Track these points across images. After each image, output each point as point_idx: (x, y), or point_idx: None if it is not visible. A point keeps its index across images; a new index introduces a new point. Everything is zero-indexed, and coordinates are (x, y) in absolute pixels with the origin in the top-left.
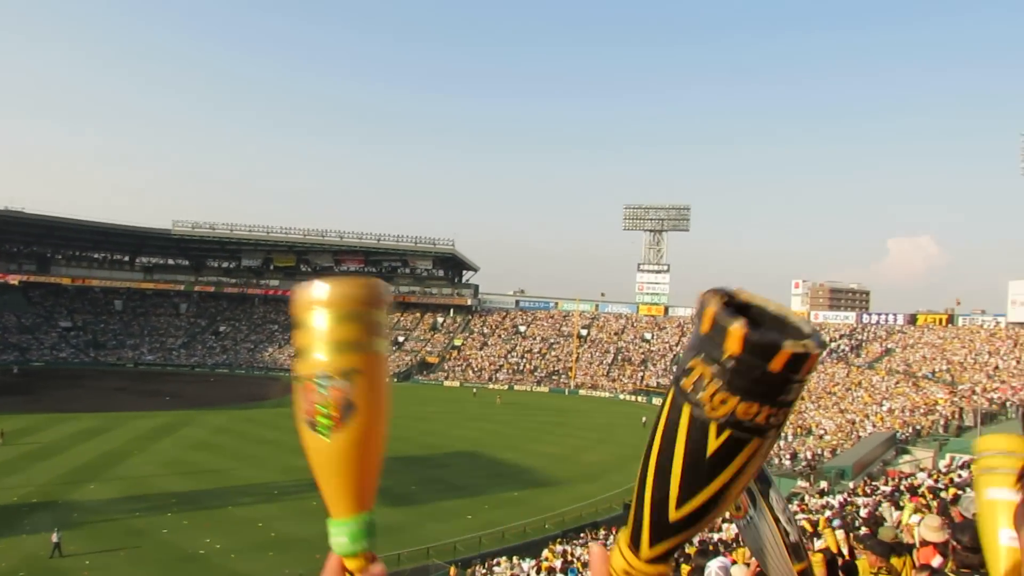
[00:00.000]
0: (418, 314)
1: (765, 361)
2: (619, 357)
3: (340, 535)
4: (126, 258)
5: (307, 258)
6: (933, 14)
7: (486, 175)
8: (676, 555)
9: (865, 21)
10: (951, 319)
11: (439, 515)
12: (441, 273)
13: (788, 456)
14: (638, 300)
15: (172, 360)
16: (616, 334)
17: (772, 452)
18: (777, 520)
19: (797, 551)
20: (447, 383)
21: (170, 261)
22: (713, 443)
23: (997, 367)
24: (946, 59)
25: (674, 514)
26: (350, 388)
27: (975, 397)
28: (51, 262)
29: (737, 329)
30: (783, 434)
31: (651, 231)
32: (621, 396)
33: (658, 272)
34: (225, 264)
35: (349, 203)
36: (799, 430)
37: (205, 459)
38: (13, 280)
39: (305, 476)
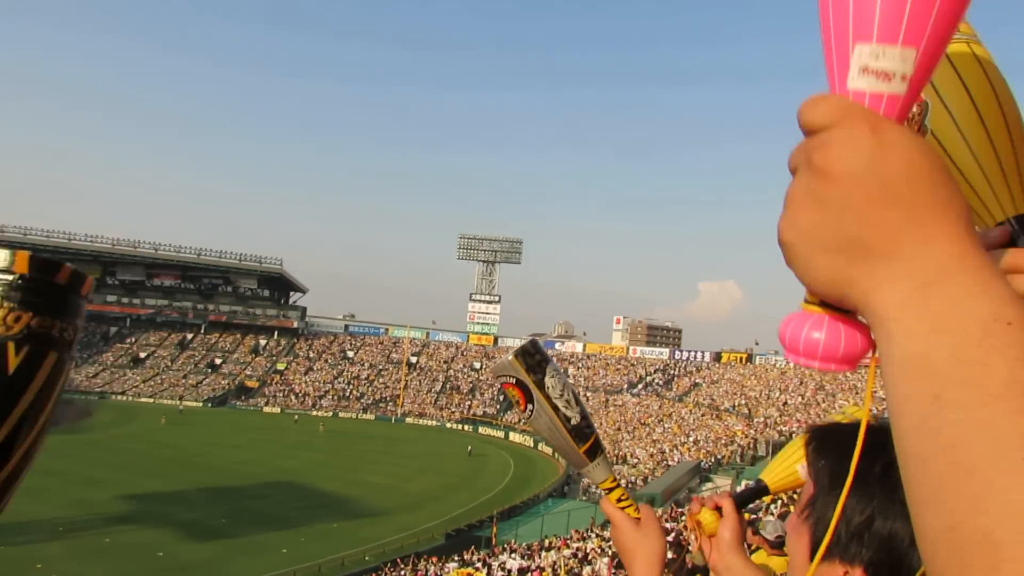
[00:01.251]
0: (239, 335)
1: (51, 276)
2: (448, 386)
3: None
4: None
5: (115, 271)
6: (728, 77)
7: (319, 194)
8: None
9: (675, 82)
10: (750, 358)
11: (250, 550)
12: (267, 293)
13: None
14: (469, 329)
15: None
16: (446, 362)
17: (588, 481)
18: (556, 409)
19: (579, 432)
20: (267, 409)
21: None
22: (14, 360)
23: (786, 403)
24: (745, 122)
25: None
26: None
27: (768, 430)
28: None
29: (24, 254)
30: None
31: (484, 262)
32: (448, 425)
33: (489, 303)
34: None
35: (167, 214)
36: (614, 459)
37: None
38: None
39: (96, 510)
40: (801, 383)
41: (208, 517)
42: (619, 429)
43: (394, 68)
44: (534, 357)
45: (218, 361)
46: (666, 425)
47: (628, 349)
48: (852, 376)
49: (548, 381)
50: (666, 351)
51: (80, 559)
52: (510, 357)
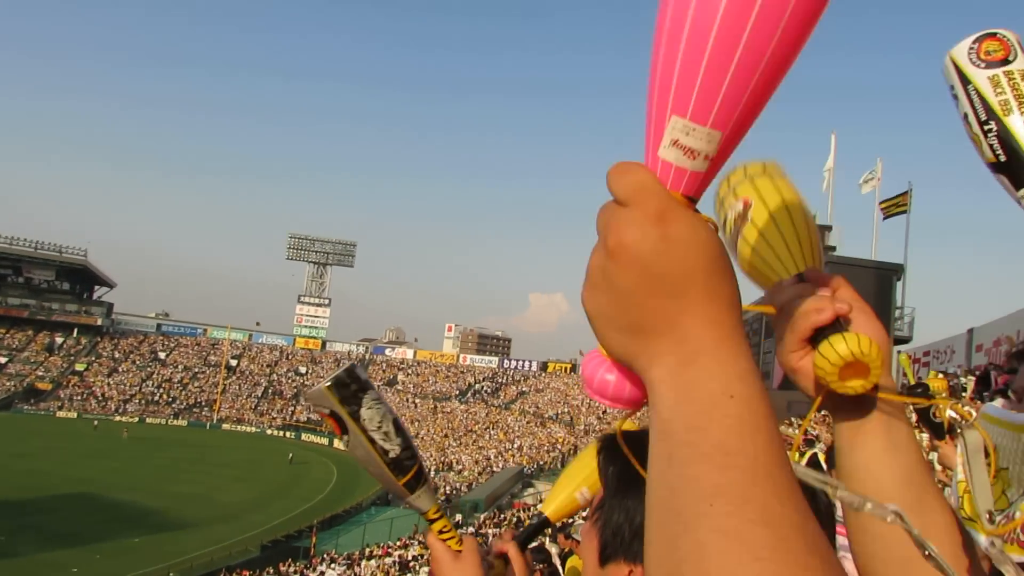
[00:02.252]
0: (30, 332)
1: None
2: (270, 390)
3: None
4: None
5: None
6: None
7: (131, 180)
8: None
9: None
10: (574, 367)
11: (34, 570)
12: (67, 286)
13: None
14: (296, 332)
15: None
16: (269, 366)
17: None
18: (373, 441)
19: (398, 464)
20: (61, 414)
21: None
22: None
23: (606, 411)
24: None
25: None
26: None
27: (588, 436)
28: None
29: None
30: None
31: (315, 263)
32: (269, 431)
33: (319, 305)
34: None
35: None
36: (440, 466)
37: None
38: None
39: None
40: None
41: None
42: (447, 436)
43: (224, 55)
44: (350, 387)
45: (3, 360)
46: (492, 432)
47: (459, 357)
48: None
49: (364, 413)
50: (495, 359)
51: None
52: (323, 386)
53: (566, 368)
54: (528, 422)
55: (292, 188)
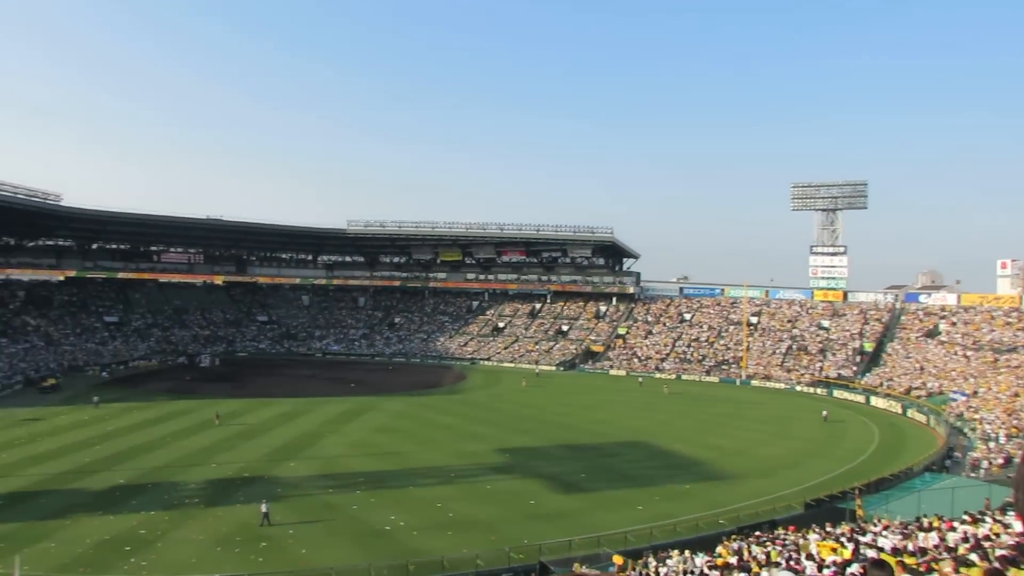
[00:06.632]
0: (581, 303)
1: None
2: (794, 346)
3: None
4: (310, 257)
5: (471, 251)
6: None
7: (643, 159)
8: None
9: None
10: None
11: (609, 504)
12: (601, 261)
13: (1001, 460)
14: (812, 285)
15: (355, 350)
16: (789, 321)
17: (980, 455)
18: None
19: None
20: (613, 372)
21: (347, 258)
22: None
23: None
24: None
25: None
26: None
27: None
28: (247, 263)
29: None
30: (995, 435)
31: (823, 210)
32: (798, 388)
33: (834, 254)
34: (396, 259)
35: (509, 195)
36: (1013, 430)
37: (387, 441)
38: (218, 280)
39: (478, 460)
40: None
41: (569, 472)
42: (1017, 395)
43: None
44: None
45: (565, 328)
46: None
47: (1022, 298)
48: None
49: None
50: None
51: (469, 501)
52: None
53: None
54: None
55: (790, 136)
